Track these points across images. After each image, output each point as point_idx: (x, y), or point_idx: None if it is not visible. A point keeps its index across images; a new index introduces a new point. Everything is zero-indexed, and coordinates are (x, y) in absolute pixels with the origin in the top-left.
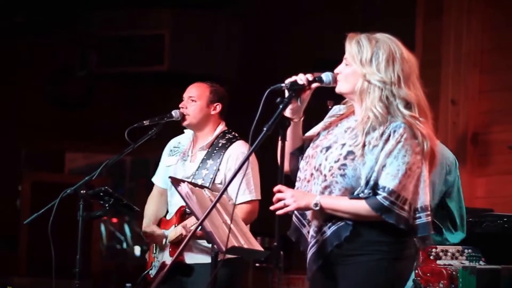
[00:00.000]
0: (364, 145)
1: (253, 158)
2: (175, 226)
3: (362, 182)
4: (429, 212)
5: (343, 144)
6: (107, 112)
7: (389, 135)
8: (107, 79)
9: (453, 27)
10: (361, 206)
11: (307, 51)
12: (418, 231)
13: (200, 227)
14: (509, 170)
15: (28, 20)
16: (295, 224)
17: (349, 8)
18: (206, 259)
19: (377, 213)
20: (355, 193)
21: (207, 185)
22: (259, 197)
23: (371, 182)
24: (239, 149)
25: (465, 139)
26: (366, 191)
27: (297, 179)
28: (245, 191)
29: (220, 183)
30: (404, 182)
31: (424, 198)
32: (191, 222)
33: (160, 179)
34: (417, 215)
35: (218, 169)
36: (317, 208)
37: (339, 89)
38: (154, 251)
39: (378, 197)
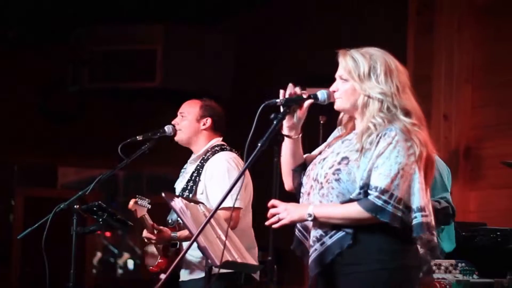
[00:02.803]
0: (361, 150)
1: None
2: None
3: (357, 185)
4: (426, 213)
5: (338, 153)
6: (99, 127)
7: (380, 138)
8: (99, 94)
9: (444, 43)
10: (353, 209)
11: (300, 67)
12: (413, 231)
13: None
14: (501, 184)
15: (20, 36)
16: (298, 238)
17: (341, 24)
18: (199, 274)
19: (371, 213)
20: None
21: (190, 195)
22: (241, 206)
23: (362, 183)
24: (219, 156)
25: (457, 153)
26: (357, 191)
27: (300, 194)
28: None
29: (202, 193)
30: (397, 182)
31: (420, 199)
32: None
33: None
34: (413, 215)
35: (200, 179)
36: (311, 218)
37: (338, 106)
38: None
39: (370, 197)
